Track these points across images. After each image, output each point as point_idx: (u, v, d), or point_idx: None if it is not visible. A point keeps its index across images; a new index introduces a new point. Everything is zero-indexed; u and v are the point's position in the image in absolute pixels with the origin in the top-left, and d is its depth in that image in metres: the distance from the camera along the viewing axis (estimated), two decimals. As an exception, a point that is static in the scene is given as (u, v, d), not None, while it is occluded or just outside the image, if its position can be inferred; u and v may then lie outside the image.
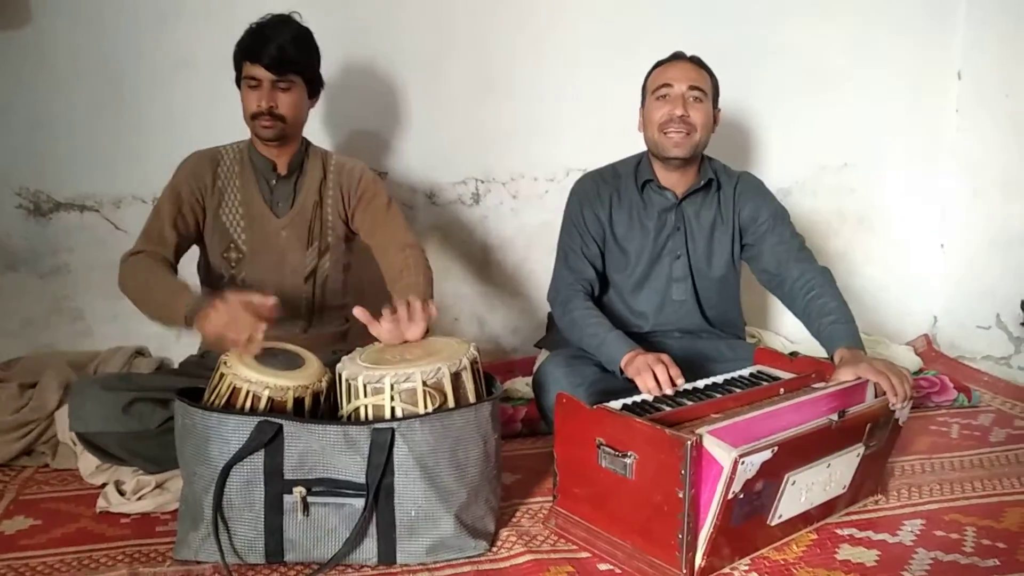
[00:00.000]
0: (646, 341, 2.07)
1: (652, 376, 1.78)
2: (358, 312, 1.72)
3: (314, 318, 2.15)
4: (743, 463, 1.45)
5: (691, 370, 1.88)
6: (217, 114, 2.44)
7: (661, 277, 2.20)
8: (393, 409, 1.59)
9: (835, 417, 1.64)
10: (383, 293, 2.01)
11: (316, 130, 2.45)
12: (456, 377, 1.64)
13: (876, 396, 1.81)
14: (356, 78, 2.48)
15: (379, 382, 1.60)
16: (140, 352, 2.62)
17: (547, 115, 2.82)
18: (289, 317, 2.07)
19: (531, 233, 2.88)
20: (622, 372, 1.87)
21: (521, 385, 2.59)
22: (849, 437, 1.71)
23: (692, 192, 2.19)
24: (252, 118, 2.01)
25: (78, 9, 2.44)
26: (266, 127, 2.01)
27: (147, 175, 2.46)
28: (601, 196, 2.19)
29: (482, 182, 2.86)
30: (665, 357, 1.81)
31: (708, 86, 2.12)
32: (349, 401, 1.64)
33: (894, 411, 1.79)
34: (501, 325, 2.94)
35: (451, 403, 1.62)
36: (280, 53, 1.96)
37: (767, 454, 1.49)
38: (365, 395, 1.61)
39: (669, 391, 1.78)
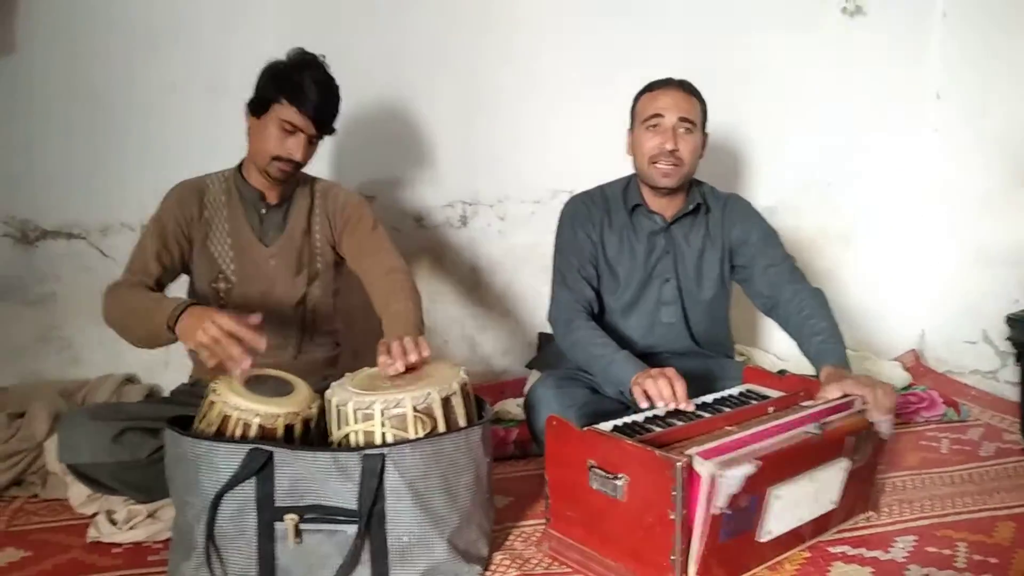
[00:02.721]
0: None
1: (668, 385, 1.77)
2: None
3: (304, 344, 2.14)
4: (723, 476, 1.45)
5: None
6: (204, 141, 2.47)
7: (650, 300, 2.21)
8: (384, 435, 1.59)
9: (815, 429, 1.64)
10: (373, 318, 2.01)
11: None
12: (446, 402, 1.64)
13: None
14: (344, 103, 2.48)
15: (369, 408, 1.60)
16: (129, 379, 2.61)
17: (533, 137, 2.84)
18: (279, 344, 2.07)
19: (519, 254, 2.89)
20: (630, 393, 1.85)
21: (512, 406, 2.59)
22: (831, 450, 1.71)
23: (681, 216, 2.21)
24: (272, 159, 1.99)
25: (65, 36, 2.44)
26: (283, 171, 2.01)
27: (134, 201, 2.47)
28: (592, 218, 2.20)
29: (469, 205, 2.87)
30: (670, 371, 1.81)
31: (698, 115, 2.13)
32: (339, 427, 1.64)
33: (874, 424, 1.79)
34: (491, 346, 2.94)
35: (441, 428, 1.62)
36: (327, 107, 1.99)
37: (749, 468, 1.49)
38: (355, 421, 1.61)
39: (684, 405, 1.77)
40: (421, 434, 1.59)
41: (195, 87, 2.54)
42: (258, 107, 1.97)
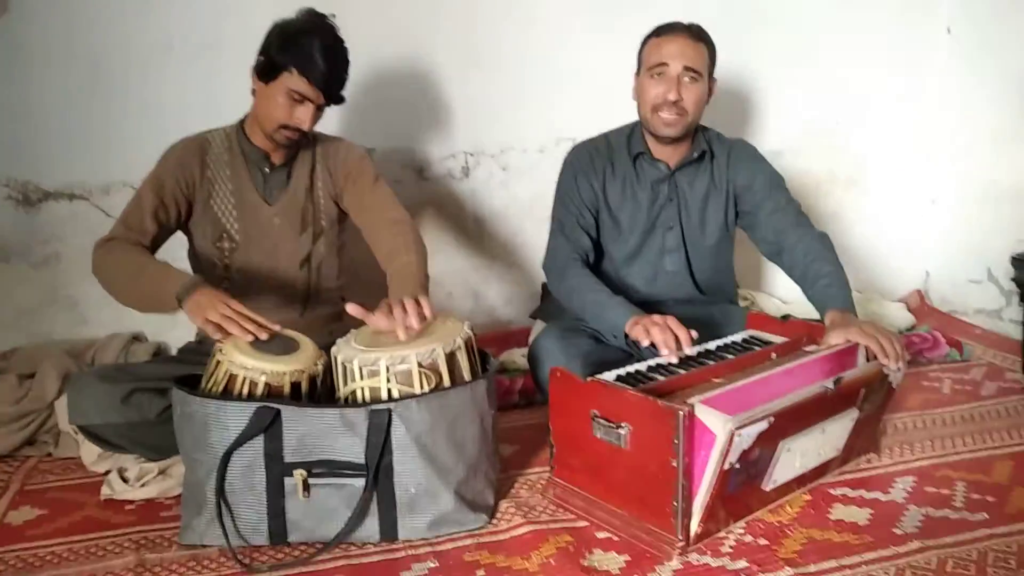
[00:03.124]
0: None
1: (671, 334, 1.77)
2: (352, 309, 1.72)
3: (310, 301, 2.15)
4: (739, 435, 1.47)
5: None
6: (202, 97, 2.46)
7: (654, 248, 2.20)
8: (390, 391, 1.61)
9: (830, 385, 1.66)
10: (377, 270, 2.01)
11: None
12: (451, 357, 1.66)
13: (868, 360, 1.82)
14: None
15: (374, 364, 1.62)
16: (136, 338, 2.63)
17: (535, 86, 2.81)
18: (285, 301, 2.09)
19: (522, 205, 2.88)
20: (627, 337, 1.86)
21: (517, 356, 2.61)
22: (844, 402, 1.74)
23: (685, 164, 2.19)
24: (279, 127, 1.97)
25: (58, -5, 2.41)
26: (290, 138, 1.99)
27: (135, 161, 2.30)
28: (595, 166, 2.19)
29: (471, 155, 2.85)
30: (672, 320, 1.81)
31: (704, 63, 2.09)
32: (346, 384, 1.66)
33: (888, 374, 1.80)
34: (495, 297, 2.95)
35: (447, 382, 1.64)
36: (337, 78, 1.96)
37: (763, 425, 1.51)
38: (361, 378, 1.63)
39: (688, 350, 1.78)
40: (427, 389, 1.61)
41: (191, 45, 2.51)
42: (266, 73, 1.94)
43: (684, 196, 2.20)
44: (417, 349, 1.63)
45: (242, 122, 2.08)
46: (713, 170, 2.20)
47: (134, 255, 1.85)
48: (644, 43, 2.15)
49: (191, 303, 1.70)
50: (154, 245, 1.95)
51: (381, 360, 1.62)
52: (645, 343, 1.80)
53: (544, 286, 2.56)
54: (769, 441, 1.57)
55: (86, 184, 2.55)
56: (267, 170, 2.08)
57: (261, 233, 2.08)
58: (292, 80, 1.91)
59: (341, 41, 1.97)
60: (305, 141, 2.09)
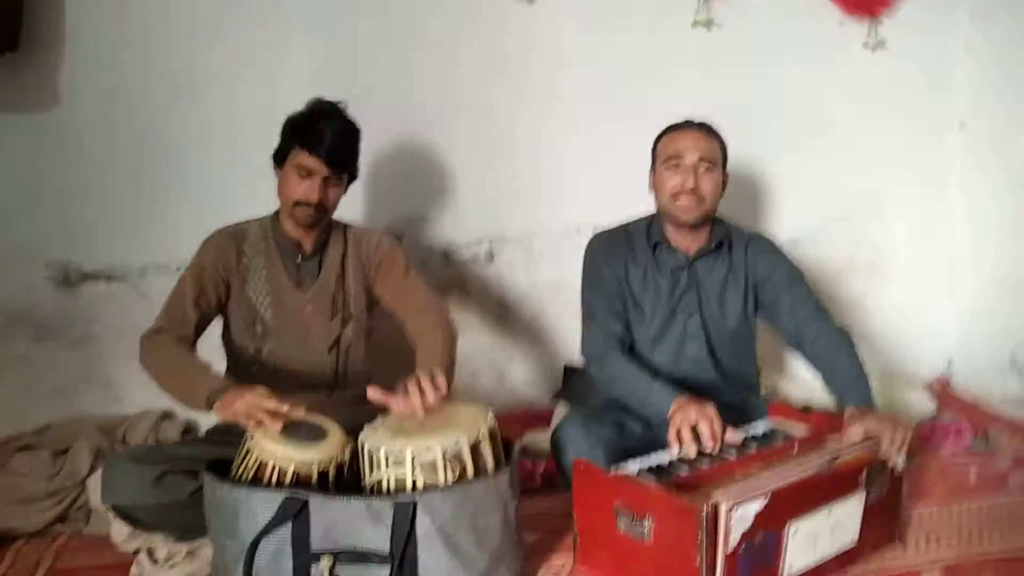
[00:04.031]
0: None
1: (691, 435, 1.80)
2: (372, 394, 1.75)
3: (337, 384, 2.18)
4: (736, 512, 1.47)
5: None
6: (235, 185, 2.52)
7: (675, 332, 2.22)
8: (415, 481, 1.63)
9: (824, 462, 1.67)
10: (405, 350, 2.04)
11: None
12: (475, 447, 1.69)
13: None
14: (368, 145, 2.47)
15: (400, 454, 1.65)
16: (167, 415, 2.64)
17: (552, 173, 2.85)
18: (313, 384, 2.12)
19: (545, 289, 2.89)
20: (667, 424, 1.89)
21: (540, 439, 2.56)
22: (846, 484, 1.73)
23: (704, 253, 2.22)
24: (294, 205, 2.04)
25: (106, 85, 2.50)
26: (308, 216, 2.05)
27: (170, 244, 2.48)
28: (615, 254, 2.21)
29: (495, 241, 2.89)
30: (711, 410, 1.84)
31: (717, 155, 2.15)
32: (372, 472, 1.68)
33: (886, 460, 1.81)
34: (519, 377, 2.94)
35: (471, 473, 1.66)
36: (339, 150, 2.01)
37: (760, 502, 1.51)
38: (387, 466, 1.66)
39: (709, 447, 1.80)
40: (451, 479, 1.63)
41: (230, 133, 2.59)
42: (279, 157, 2.05)
43: (703, 284, 2.22)
44: (442, 440, 1.65)
45: (276, 214, 2.15)
46: (732, 260, 2.23)
47: (176, 353, 1.91)
48: (658, 140, 2.20)
49: (220, 404, 1.75)
50: (197, 331, 2.02)
51: (407, 450, 1.64)
52: (675, 448, 1.83)
53: (567, 368, 2.59)
54: (773, 522, 1.56)
55: (124, 266, 2.60)
56: (299, 259, 2.13)
57: (292, 319, 2.12)
58: (298, 156, 2.00)
59: (346, 118, 2.05)
60: (333, 225, 2.14)
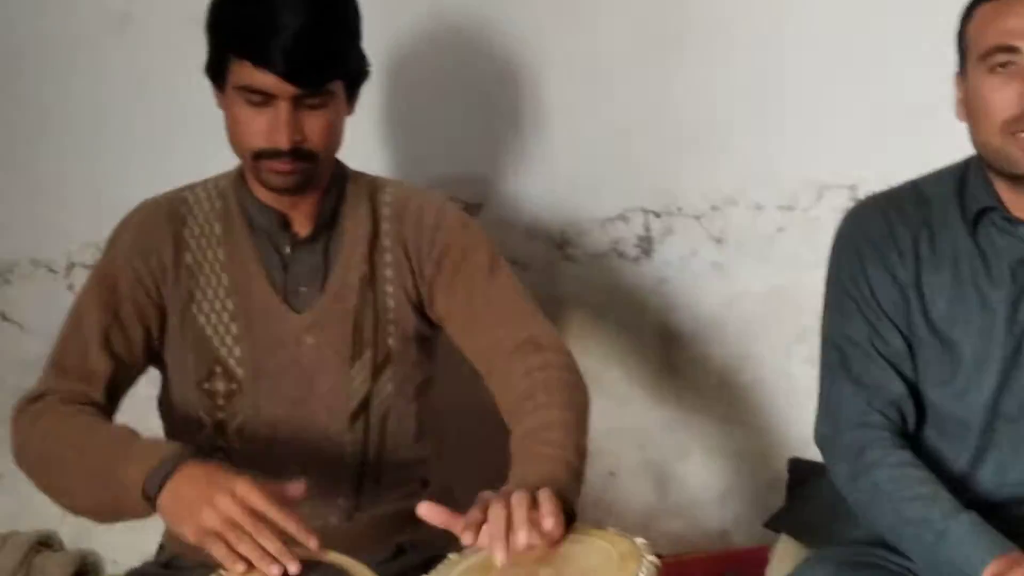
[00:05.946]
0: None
1: None
2: (426, 511, 1.21)
3: (365, 489, 1.57)
4: None
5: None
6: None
7: (1020, 394, 1.59)
8: None
9: None
10: (491, 419, 1.53)
11: (358, 135, 1.75)
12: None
13: None
14: (428, 47, 1.86)
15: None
16: (45, 542, 1.85)
17: (773, 96, 1.99)
18: (321, 491, 1.52)
19: (753, 309, 2.04)
20: None
21: (740, 609, 1.86)
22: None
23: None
24: (255, 158, 1.46)
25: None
26: (282, 172, 1.46)
27: (55, 229, 1.95)
28: (898, 241, 1.63)
29: (657, 215, 2.03)
30: None
31: None
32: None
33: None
34: (697, 483, 2.14)
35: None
36: (307, 48, 1.43)
37: None
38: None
39: None
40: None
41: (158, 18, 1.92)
42: (215, 73, 1.52)
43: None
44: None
45: (240, 171, 1.58)
46: None
47: (72, 423, 1.41)
48: (967, 14, 1.59)
49: (168, 501, 1.21)
50: (111, 392, 1.49)
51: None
52: None
53: (793, 465, 1.89)
54: None
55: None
56: (288, 248, 1.54)
57: (280, 364, 1.58)
58: (243, 74, 1.45)
59: None
60: (326, 174, 1.56)
